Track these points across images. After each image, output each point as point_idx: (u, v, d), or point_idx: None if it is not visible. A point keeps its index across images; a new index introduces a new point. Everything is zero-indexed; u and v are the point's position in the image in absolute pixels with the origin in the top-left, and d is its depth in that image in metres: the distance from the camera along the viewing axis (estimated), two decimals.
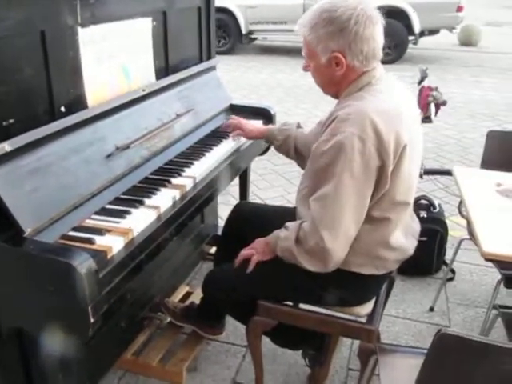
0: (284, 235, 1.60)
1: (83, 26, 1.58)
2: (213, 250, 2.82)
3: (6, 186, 1.28)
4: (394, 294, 2.62)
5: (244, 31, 9.45)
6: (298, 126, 2.03)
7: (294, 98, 6.71)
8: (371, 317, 1.71)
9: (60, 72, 1.51)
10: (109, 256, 1.33)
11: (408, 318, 2.49)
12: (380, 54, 1.54)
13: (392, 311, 2.52)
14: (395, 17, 8.15)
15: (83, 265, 1.20)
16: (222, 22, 9.24)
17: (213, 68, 2.48)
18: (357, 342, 2.21)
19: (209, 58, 2.48)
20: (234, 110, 2.53)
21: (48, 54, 1.45)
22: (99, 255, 1.30)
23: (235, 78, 7.47)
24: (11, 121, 1.36)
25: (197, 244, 2.67)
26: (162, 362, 2.08)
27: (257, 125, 2.28)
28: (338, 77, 1.55)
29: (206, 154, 2.01)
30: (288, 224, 1.64)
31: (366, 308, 1.73)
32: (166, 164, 1.88)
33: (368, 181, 1.45)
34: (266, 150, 2.46)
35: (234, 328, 2.30)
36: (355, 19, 1.46)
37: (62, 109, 1.53)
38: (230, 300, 1.80)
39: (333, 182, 1.46)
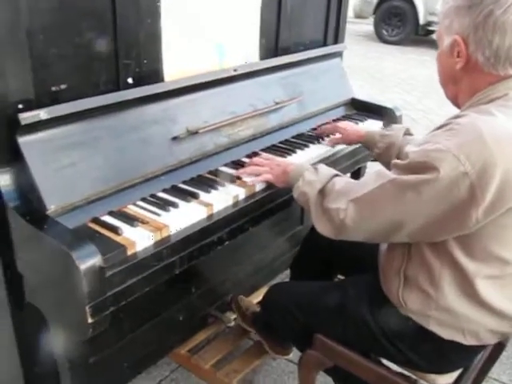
0: (309, 179, 1.35)
1: None
2: None
3: (37, 155, 1.19)
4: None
5: (422, 21, 8.74)
6: (407, 133, 1.65)
7: None
8: None
9: (131, 39, 1.37)
10: (129, 252, 1.17)
11: None
12: None
13: (503, 377, 2.04)
14: None
15: (85, 259, 1.05)
16: (399, 9, 8.72)
17: (338, 54, 2.19)
18: None
19: (335, 41, 2.18)
20: (355, 105, 2.22)
21: (117, 18, 1.31)
22: (118, 249, 1.15)
23: (399, 71, 6.95)
24: (62, 86, 1.26)
25: (291, 246, 2.44)
26: (215, 366, 1.91)
27: (368, 127, 1.95)
28: (458, 73, 1.18)
29: (298, 151, 1.76)
30: (320, 166, 1.40)
31: (446, 378, 1.36)
32: (247, 156, 1.67)
33: (435, 207, 1.09)
34: None
35: None
36: None
37: (129, 80, 1.40)
38: (286, 323, 1.55)
39: (398, 180, 1.13)
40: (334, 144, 1.86)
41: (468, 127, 1.07)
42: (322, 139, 1.87)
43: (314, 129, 1.95)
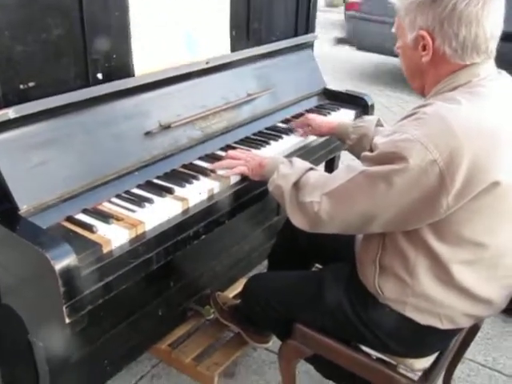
0: (284, 172, 1.36)
1: None
2: None
3: (6, 155, 1.16)
4: (488, 337, 2.19)
5: None
6: (378, 124, 1.67)
7: None
8: (427, 375, 1.37)
9: (99, 34, 1.35)
10: (104, 250, 1.16)
11: (498, 370, 2.04)
12: (489, 47, 1.13)
13: (479, 357, 2.09)
14: None
15: (60, 259, 1.04)
16: None
17: (309, 44, 2.19)
18: None
19: (306, 31, 2.18)
20: (328, 95, 2.23)
21: (84, 13, 1.29)
22: (93, 248, 1.14)
23: (371, 59, 6.98)
24: (31, 84, 1.23)
25: (268, 237, 2.44)
26: (196, 360, 1.91)
27: (342, 117, 1.96)
28: (424, 65, 1.19)
29: (272, 142, 1.76)
30: (295, 160, 1.40)
31: (423, 362, 1.38)
32: (221, 149, 1.66)
33: (407, 196, 1.10)
34: None
35: None
36: None
37: (99, 75, 1.38)
38: (266, 315, 1.56)
39: (368, 172, 1.15)
40: (306, 135, 1.86)
41: (435, 116, 1.09)
42: (296, 130, 1.88)
43: (288, 120, 1.95)
